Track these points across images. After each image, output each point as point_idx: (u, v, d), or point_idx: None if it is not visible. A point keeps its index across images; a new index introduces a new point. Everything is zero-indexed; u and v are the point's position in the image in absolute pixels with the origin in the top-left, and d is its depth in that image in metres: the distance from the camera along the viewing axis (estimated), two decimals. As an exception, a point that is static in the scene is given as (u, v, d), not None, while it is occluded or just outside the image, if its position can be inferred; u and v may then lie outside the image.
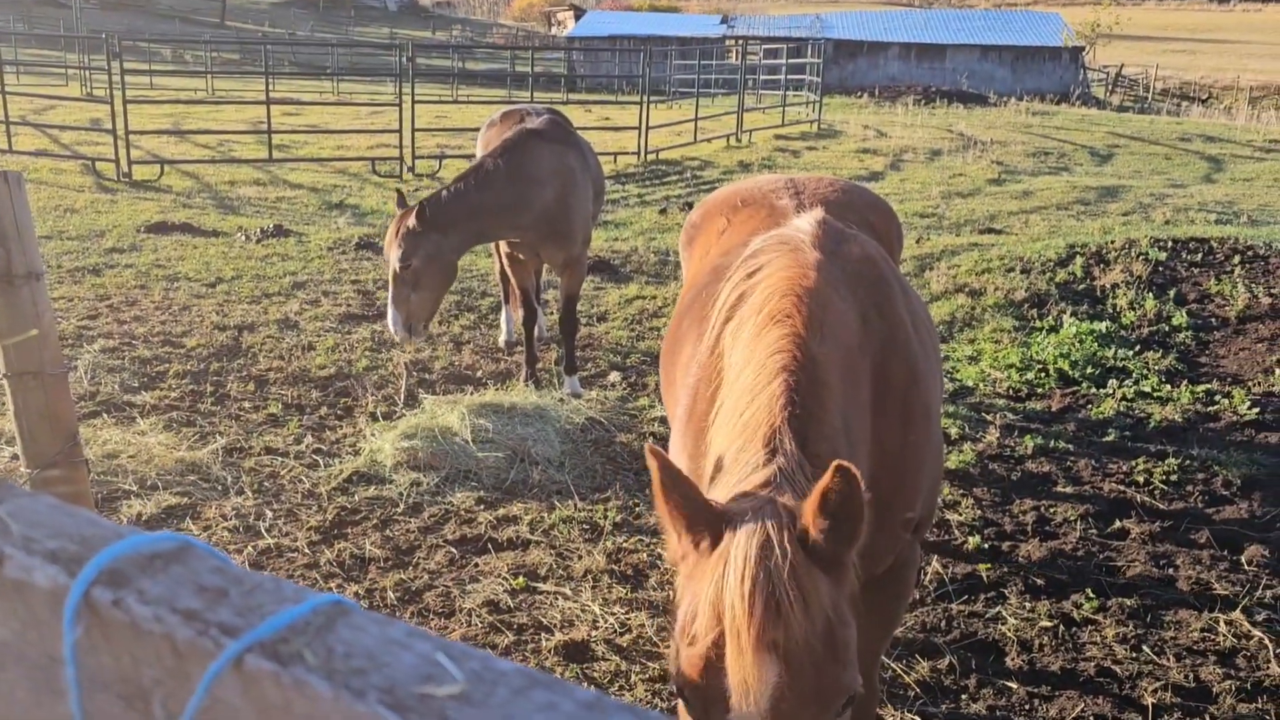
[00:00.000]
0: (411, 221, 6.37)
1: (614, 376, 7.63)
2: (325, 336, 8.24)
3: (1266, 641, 4.41)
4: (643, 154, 19.26)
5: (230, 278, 9.90)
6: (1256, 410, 6.99)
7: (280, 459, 6.08)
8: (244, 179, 15.94)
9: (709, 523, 2.06)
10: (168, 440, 6.15)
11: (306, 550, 5.09)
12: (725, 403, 2.48)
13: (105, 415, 6.53)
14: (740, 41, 33.55)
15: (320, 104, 23.38)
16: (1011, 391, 7.48)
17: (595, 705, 0.58)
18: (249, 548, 5.08)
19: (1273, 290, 9.48)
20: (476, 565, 5.02)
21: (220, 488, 5.69)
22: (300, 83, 37.37)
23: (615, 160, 18.55)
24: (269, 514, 5.42)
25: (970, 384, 7.58)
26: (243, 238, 11.55)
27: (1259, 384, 7.53)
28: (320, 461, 6.06)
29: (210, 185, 15.37)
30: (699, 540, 2.07)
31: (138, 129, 17.24)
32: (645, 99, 19.49)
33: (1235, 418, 6.92)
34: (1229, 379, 7.72)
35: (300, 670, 0.63)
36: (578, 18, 61.69)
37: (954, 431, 6.64)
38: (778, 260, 2.68)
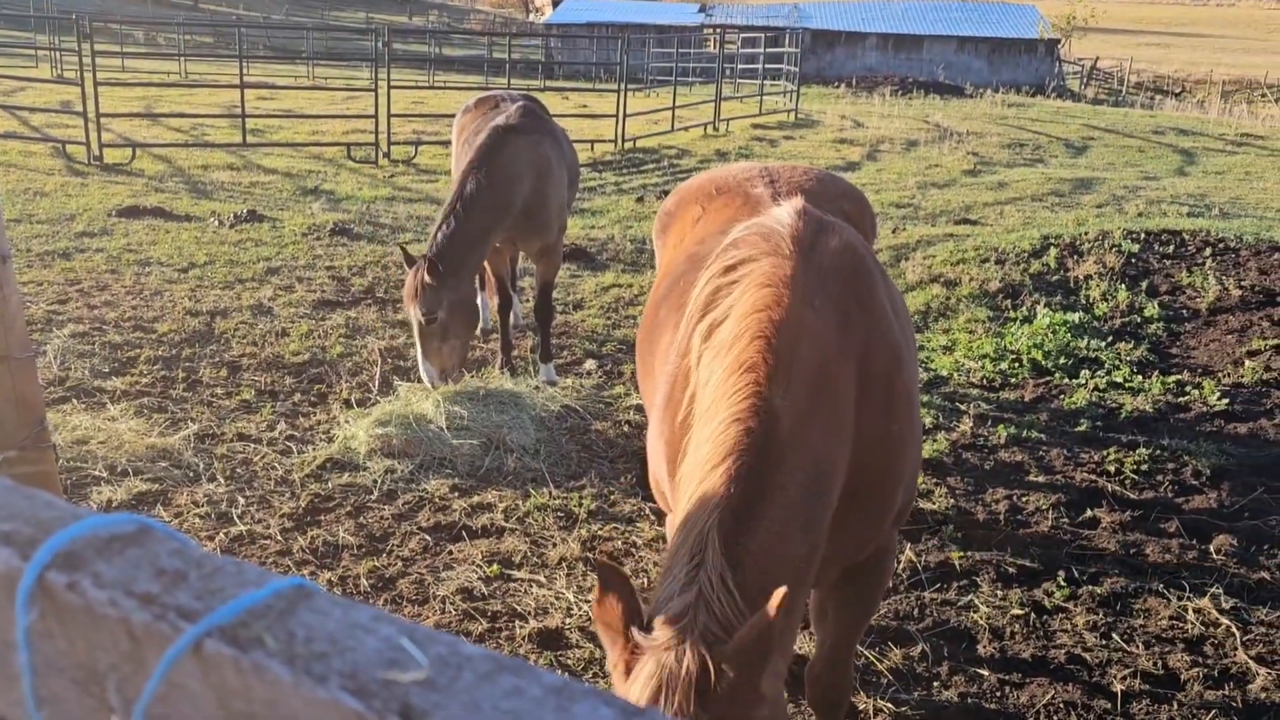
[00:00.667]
0: (427, 277, 6.26)
1: (590, 364, 7.62)
2: (299, 323, 8.19)
3: (1234, 629, 4.46)
4: (620, 142, 19.21)
5: (203, 263, 9.81)
6: (1226, 401, 7.05)
7: (253, 445, 6.03)
8: (217, 163, 15.79)
9: (627, 651, 2.09)
10: (138, 426, 6.10)
11: (279, 537, 5.06)
12: (689, 456, 2.50)
13: (75, 401, 6.47)
14: (718, 30, 33.51)
15: (295, 88, 23.17)
16: (985, 381, 7.52)
17: (562, 690, 0.57)
18: (221, 534, 5.05)
19: (1243, 282, 9.56)
20: (450, 552, 5.01)
21: (192, 474, 5.64)
22: (275, 67, 37.05)
23: (592, 148, 18.50)
24: (241, 501, 5.38)
25: (945, 374, 7.62)
26: (216, 222, 11.44)
27: (1229, 375, 7.60)
28: (293, 448, 6.02)
29: (183, 169, 15.23)
30: (617, 664, 2.10)
31: (109, 112, 17.03)
32: (623, 87, 19.43)
33: (1205, 408, 6.98)
34: (1199, 370, 7.78)
35: (260, 655, 0.61)
36: (555, 4, 61.42)
37: (928, 421, 6.67)
38: (754, 274, 2.65)
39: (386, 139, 17.02)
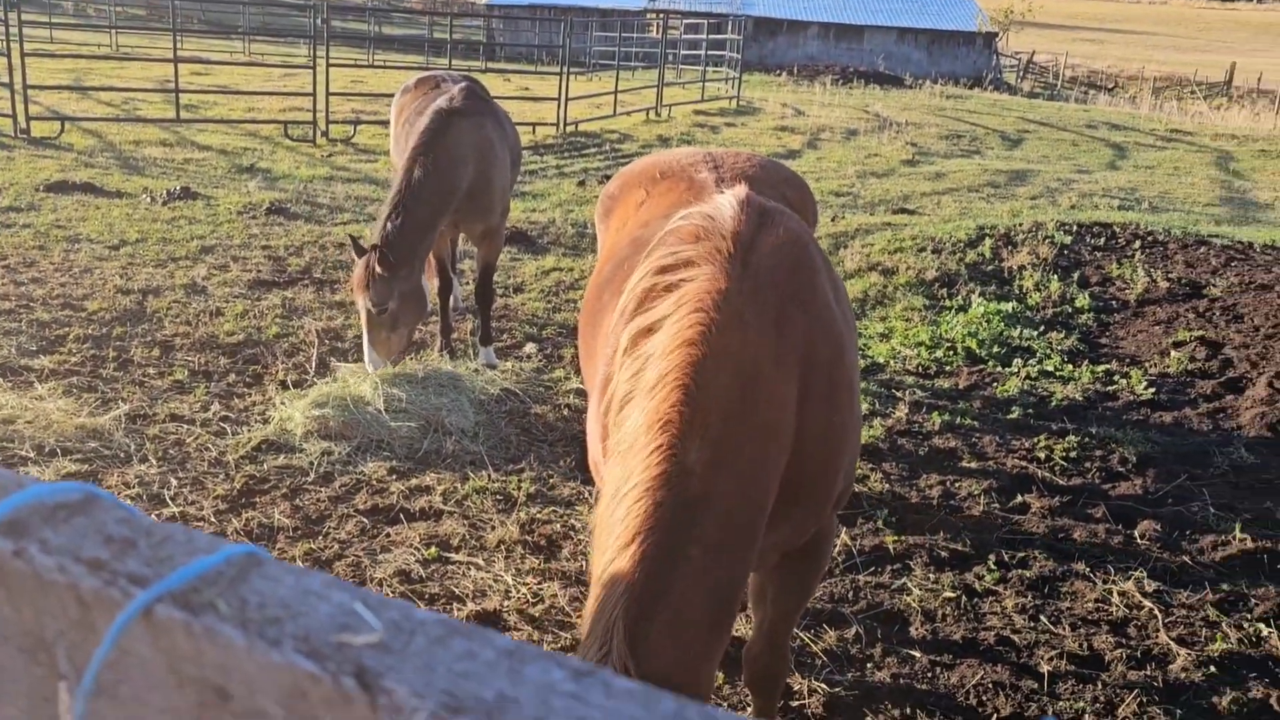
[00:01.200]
0: (379, 268, 6.17)
1: (530, 348, 7.60)
2: (234, 302, 8.06)
3: (1156, 611, 4.59)
4: (561, 125, 19.13)
5: (134, 240, 9.62)
6: (1152, 390, 7.23)
7: (186, 426, 5.94)
8: (149, 139, 15.46)
9: None
10: (67, 406, 5.97)
11: (213, 519, 4.99)
12: (603, 508, 2.53)
13: (1, 380, 6.31)
14: (661, 16, 33.47)
15: (230, 64, 22.75)
16: (921, 369, 7.62)
17: (514, 653, 0.58)
18: (153, 516, 4.96)
19: (1170, 275, 9.80)
20: (388, 535, 4.98)
21: (123, 455, 5.54)
22: (209, 42, 36.32)
23: (534, 131, 18.40)
24: (174, 482, 5.30)
25: (881, 361, 7.71)
26: (148, 199, 11.21)
27: (1155, 365, 7.79)
28: (228, 429, 5.94)
29: (114, 144, 14.89)
30: None
31: (36, 84, 16.60)
32: (565, 70, 19.34)
33: (1132, 397, 7.15)
34: (1127, 359, 7.97)
35: (212, 619, 0.61)
36: (498, -15, 60.71)
37: (865, 407, 6.75)
38: (688, 293, 2.63)
39: (325, 117, 16.78)
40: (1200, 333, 8.31)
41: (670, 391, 2.49)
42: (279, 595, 0.64)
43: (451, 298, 7.70)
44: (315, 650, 0.60)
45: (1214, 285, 9.57)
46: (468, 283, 8.75)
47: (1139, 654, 4.31)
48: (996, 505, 5.57)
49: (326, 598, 0.64)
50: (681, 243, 2.76)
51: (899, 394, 7.04)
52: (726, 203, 2.86)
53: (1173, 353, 7.95)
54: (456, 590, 4.55)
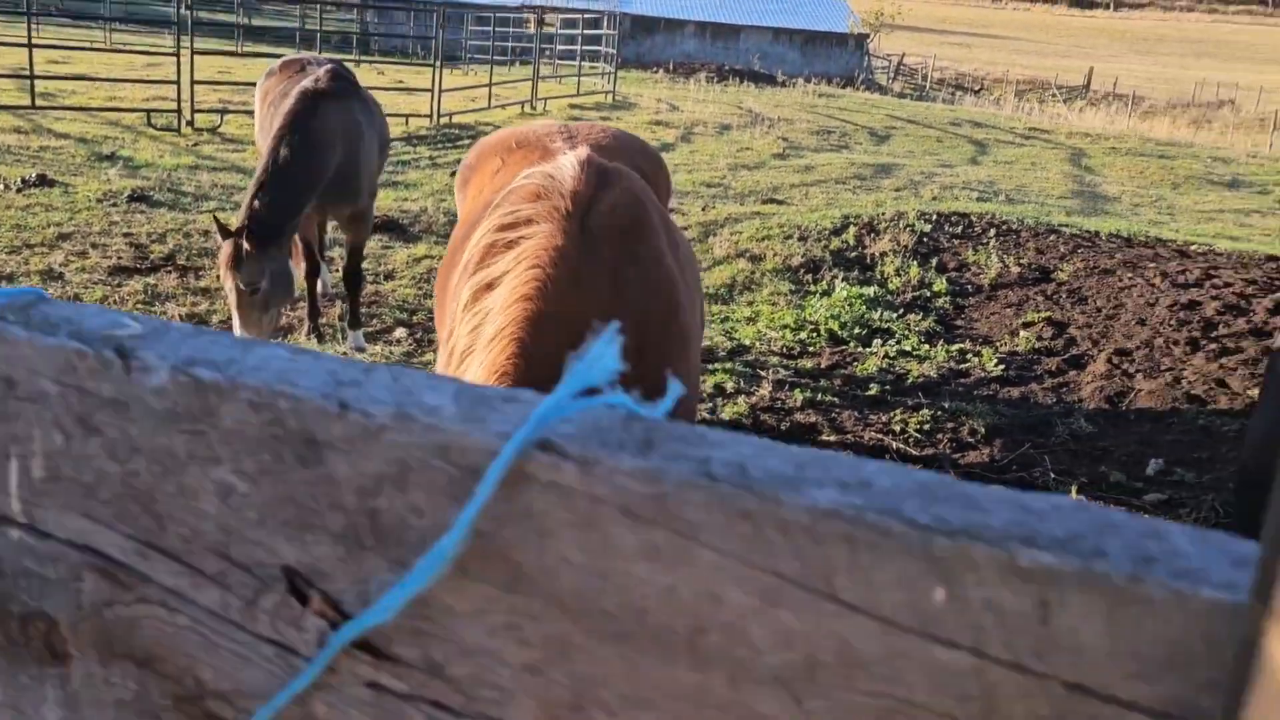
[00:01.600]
0: (248, 247, 6.07)
1: (400, 332, 7.60)
2: (93, 289, 7.85)
3: (997, 567, 4.85)
4: (435, 117, 19.00)
5: (-15, 227, 9.27)
6: (1002, 367, 7.60)
7: (40, 410, 5.78)
8: (2, 126, 14.86)
9: None
10: (-89, 391, 5.76)
11: (67, 500, 4.89)
12: None
13: None
14: (538, 11, 33.47)
15: (91, 49, 21.95)
16: (785, 350, 7.86)
17: (247, 342, 0.75)
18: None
19: (1022, 261, 10.27)
20: (251, 513, 4.94)
21: (-29, 439, 5.37)
22: (68, 31, 34.96)
23: (407, 123, 18.24)
24: (26, 465, 5.17)
25: (747, 343, 7.92)
26: (0, 186, 10.81)
27: (1005, 344, 8.18)
28: (84, 413, 5.80)
29: (-37, 131, 14.27)
30: None
31: (-122, 68, 15.80)
32: (438, 61, 19.21)
33: (983, 374, 7.50)
34: (980, 339, 8.34)
35: (1, 325, 0.73)
36: (373, -22, 59.63)
37: (730, 386, 6.94)
38: (525, 251, 2.70)
39: (190, 106, 16.35)
40: (1048, 314, 8.75)
41: (506, 344, 2.57)
42: (61, 314, 0.81)
43: (320, 283, 7.65)
44: (84, 337, 0.75)
45: (1062, 270, 10.06)
46: (336, 270, 8.68)
47: (979, 605, 4.56)
48: (853, 474, 5.79)
49: (101, 315, 0.78)
50: (522, 201, 2.85)
51: (763, 373, 7.25)
52: (568, 163, 2.95)
53: (1022, 333, 8.36)
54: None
